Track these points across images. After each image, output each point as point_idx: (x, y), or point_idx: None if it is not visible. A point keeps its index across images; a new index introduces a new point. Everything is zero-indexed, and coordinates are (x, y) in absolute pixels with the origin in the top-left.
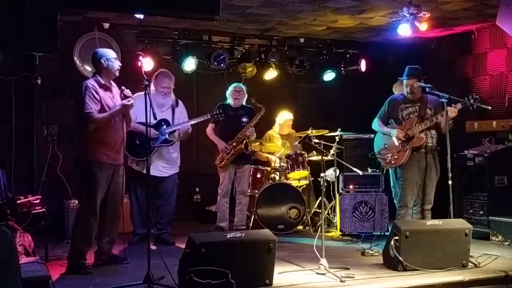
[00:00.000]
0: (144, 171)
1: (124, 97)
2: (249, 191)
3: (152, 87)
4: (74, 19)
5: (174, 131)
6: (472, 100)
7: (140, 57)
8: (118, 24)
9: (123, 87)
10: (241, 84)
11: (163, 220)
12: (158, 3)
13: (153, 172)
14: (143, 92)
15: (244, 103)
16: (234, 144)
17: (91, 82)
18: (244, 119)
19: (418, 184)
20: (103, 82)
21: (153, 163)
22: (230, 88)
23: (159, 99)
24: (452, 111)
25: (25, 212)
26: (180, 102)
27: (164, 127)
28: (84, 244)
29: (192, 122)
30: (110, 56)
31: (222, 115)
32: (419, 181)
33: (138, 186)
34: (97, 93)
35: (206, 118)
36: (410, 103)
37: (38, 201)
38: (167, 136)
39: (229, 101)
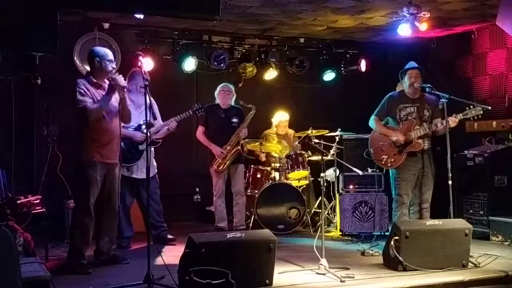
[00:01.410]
0: (133, 175)
1: (112, 80)
2: (249, 191)
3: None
4: (74, 19)
5: (159, 131)
6: (473, 112)
7: (140, 57)
8: (118, 24)
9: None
10: (229, 84)
11: (157, 220)
12: (158, 3)
13: (141, 175)
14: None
15: (233, 104)
16: (229, 147)
17: (81, 80)
18: (235, 120)
19: (413, 184)
20: (94, 80)
21: (139, 165)
22: (218, 88)
23: (137, 99)
24: (453, 121)
25: (25, 212)
26: (152, 99)
27: (151, 130)
28: (82, 244)
29: (176, 119)
30: (105, 57)
31: (202, 109)
32: (415, 181)
33: (123, 190)
34: (87, 89)
35: (188, 115)
36: (409, 103)
37: (38, 201)
38: (153, 136)
39: (217, 101)
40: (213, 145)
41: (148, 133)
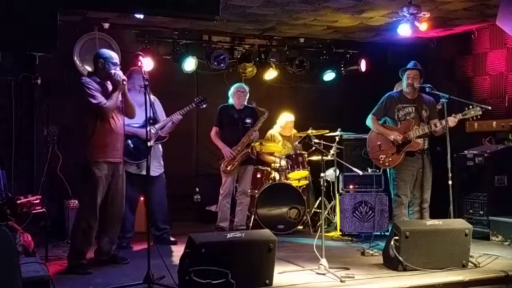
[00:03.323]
0: (142, 173)
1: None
2: (249, 191)
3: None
4: (74, 19)
5: (164, 126)
6: (472, 112)
7: (140, 57)
8: (118, 24)
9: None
10: (243, 84)
11: (161, 220)
12: (158, 3)
13: (151, 172)
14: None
15: (245, 103)
16: (239, 149)
17: (87, 79)
18: (248, 120)
19: (412, 184)
20: (98, 80)
21: (151, 162)
22: (233, 89)
23: (138, 98)
24: (452, 121)
25: (25, 212)
26: (154, 97)
27: (156, 126)
28: (84, 245)
29: (180, 113)
30: (109, 59)
31: (204, 101)
32: (414, 181)
33: (128, 187)
34: (95, 87)
35: (191, 108)
36: (408, 103)
37: (38, 201)
38: (159, 132)
39: (231, 101)
40: (223, 145)
41: (152, 130)
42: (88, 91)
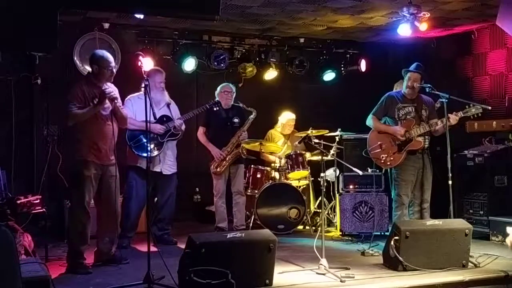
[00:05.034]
0: (155, 169)
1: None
2: (249, 191)
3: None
4: (74, 19)
5: (180, 124)
6: (473, 110)
7: (140, 57)
8: (118, 24)
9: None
10: (230, 84)
11: (165, 220)
12: (158, 3)
13: (164, 170)
14: (139, 93)
15: (232, 103)
16: (229, 149)
17: (79, 82)
18: (236, 120)
19: (413, 184)
20: (94, 81)
21: (161, 160)
22: (219, 89)
23: (156, 96)
24: (453, 119)
25: (25, 212)
26: (171, 99)
27: (169, 123)
28: (80, 244)
29: (192, 113)
30: (104, 65)
31: (218, 104)
32: (415, 181)
33: (140, 185)
34: (83, 90)
35: (204, 109)
36: (407, 103)
37: (38, 201)
38: (172, 129)
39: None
40: (212, 147)
41: (148, 126)
42: (67, 94)
